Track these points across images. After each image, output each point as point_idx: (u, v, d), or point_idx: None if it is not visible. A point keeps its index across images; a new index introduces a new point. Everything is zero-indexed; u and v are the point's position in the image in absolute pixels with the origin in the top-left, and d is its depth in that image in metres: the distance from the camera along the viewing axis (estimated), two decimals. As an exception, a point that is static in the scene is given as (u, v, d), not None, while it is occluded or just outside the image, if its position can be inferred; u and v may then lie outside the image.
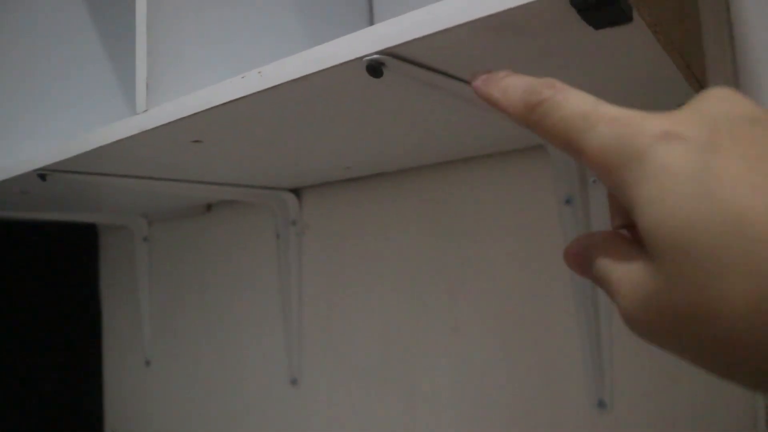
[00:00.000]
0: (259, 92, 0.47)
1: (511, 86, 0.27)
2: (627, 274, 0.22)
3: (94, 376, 1.31)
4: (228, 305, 1.05)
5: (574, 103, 0.24)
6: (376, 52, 0.40)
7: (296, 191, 0.94)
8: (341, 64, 0.42)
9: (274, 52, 0.69)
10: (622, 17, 0.35)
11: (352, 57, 0.41)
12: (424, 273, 0.81)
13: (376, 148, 0.69)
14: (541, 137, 0.26)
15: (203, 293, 1.09)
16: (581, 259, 0.26)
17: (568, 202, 0.71)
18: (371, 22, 0.86)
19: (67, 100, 0.94)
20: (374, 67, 0.41)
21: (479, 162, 0.77)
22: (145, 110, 0.57)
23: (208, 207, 1.08)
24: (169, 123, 0.54)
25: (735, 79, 0.59)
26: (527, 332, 0.73)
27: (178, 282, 1.15)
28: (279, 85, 0.45)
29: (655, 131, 0.21)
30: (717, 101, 0.22)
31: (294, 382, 0.93)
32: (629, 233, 0.25)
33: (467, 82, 0.47)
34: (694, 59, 0.51)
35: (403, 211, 0.83)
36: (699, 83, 0.52)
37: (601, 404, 0.68)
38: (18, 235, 1.22)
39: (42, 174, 0.73)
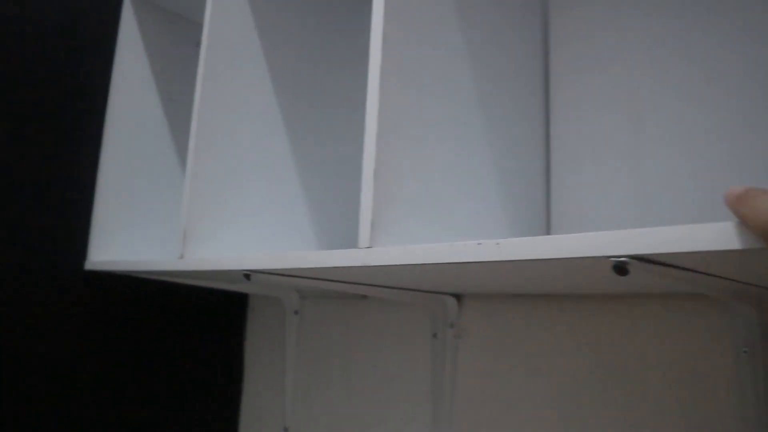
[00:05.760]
0: (491, 261, 0.52)
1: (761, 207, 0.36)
2: None
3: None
4: (375, 392, 1.10)
5: None
6: (626, 256, 0.44)
7: (457, 296, 0.99)
8: (586, 258, 0.46)
9: (475, 224, 0.76)
10: None
11: (600, 254, 0.45)
12: (584, 403, 0.83)
13: (558, 285, 0.73)
14: None
15: (350, 375, 1.15)
16: None
17: (746, 352, 0.72)
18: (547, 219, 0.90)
19: (260, 215, 1.04)
20: (620, 268, 0.45)
21: (654, 299, 0.79)
22: (369, 246, 0.63)
23: (364, 295, 1.14)
24: (392, 265, 0.61)
25: None
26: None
27: (324, 359, 1.22)
28: (515, 260, 0.51)
29: None
30: None
31: (438, 479, 0.97)
32: None
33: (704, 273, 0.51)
34: None
35: (566, 336, 0.86)
36: None
37: None
38: (169, 296, 1.33)
39: (247, 274, 0.82)
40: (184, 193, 0.96)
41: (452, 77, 0.74)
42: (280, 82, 1.07)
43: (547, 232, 0.89)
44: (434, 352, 1.00)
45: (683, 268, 0.49)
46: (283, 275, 0.82)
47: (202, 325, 1.37)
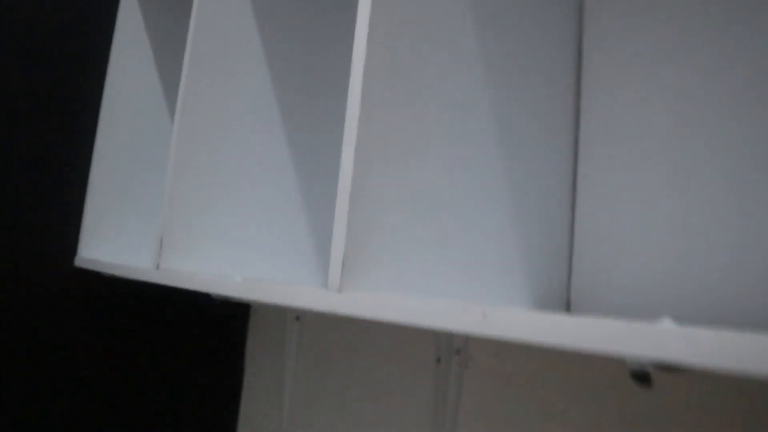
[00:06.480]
0: (479, 334, 0.41)
1: None
2: None
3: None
4: (373, 411, 1.00)
5: None
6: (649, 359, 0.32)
7: (464, 321, 0.87)
8: (600, 353, 0.34)
9: (482, 259, 0.63)
10: None
11: (617, 352, 0.34)
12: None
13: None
14: None
15: (348, 389, 1.05)
16: None
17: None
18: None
19: (250, 225, 0.92)
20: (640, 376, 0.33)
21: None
22: (339, 290, 0.52)
23: (366, 307, 1.04)
24: (361, 313, 0.50)
25: None
26: None
27: (324, 369, 1.12)
28: (504, 337, 0.39)
29: None
30: None
31: None
32: None
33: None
34: None
35: (588, 376, 0.74)
36: None
37: None
38: (168, 298, 1.25)
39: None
40: (163, 198, 0.86)
41: (457, 77, 0.62)
42: (276, 74, 0.96)
43: (569, 277, 0.76)
44: (438, 379, 0.89)
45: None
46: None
47: (201, 329, 1.29)
